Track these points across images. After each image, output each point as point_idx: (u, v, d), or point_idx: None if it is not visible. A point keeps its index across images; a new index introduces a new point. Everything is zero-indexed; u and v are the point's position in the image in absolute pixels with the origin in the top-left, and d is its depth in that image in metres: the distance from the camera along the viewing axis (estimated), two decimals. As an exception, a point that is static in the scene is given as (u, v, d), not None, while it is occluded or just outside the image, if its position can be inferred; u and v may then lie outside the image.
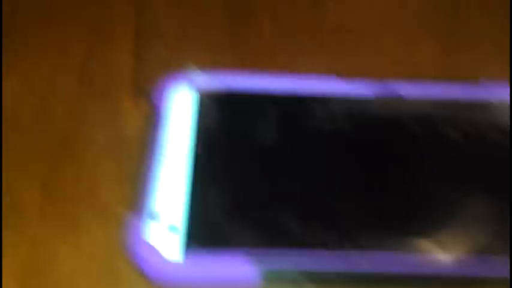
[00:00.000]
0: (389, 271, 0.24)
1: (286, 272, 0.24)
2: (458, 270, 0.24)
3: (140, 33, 0.34)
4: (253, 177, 0.26)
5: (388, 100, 0.29)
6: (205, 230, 0.24)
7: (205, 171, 0.26)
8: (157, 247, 0.24)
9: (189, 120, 0.28)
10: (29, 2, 0.35)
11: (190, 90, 0.29)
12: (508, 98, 0.30)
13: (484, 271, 0.24)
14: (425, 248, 0.24)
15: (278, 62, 0.33)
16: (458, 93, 0.30)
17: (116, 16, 0.35)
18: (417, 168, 0.27)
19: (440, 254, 0.24)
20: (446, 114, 0.29)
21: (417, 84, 0.30)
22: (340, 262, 0.24)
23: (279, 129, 0.28)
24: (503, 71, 0.33)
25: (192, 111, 0.28)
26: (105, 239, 0.26)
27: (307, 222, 0.25)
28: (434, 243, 0.24)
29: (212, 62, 0.33)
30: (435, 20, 0.36)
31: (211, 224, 0.25)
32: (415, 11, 0.37)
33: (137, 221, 0.24)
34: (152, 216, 0.24)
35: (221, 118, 0.28)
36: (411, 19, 0.36)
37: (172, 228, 0.24)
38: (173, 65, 0.32)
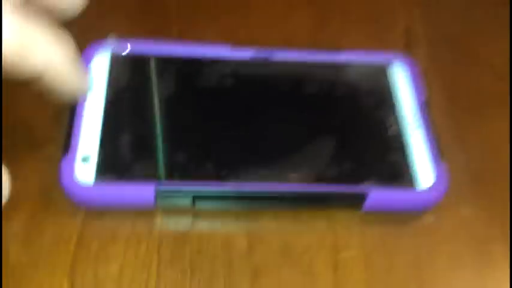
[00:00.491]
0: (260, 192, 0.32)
1: (177, 198, 0.31)
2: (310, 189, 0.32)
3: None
4: (152, 122, 0.33)
5: (264, 63, 0.37)
6: (113, 161, 0.31)
7: (116, 116, 0.33)
8: (75, 174, 0.31)
9: (105, 78, 0.35)
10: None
11: (107, 54, 0.36)
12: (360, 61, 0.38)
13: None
14: (285, 175, 0.32)
15: (182, 26, 0.41)
16: (324, 57, 0.38)
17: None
18: (283, 116, 0.35)
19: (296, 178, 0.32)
20: (309, 74, 0.37)
21: (291, 49, 0.38)
22: (222, 189, 0.31)
23: (177, 86, 0.35)
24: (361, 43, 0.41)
25: (109, 71, 0.35)
26: (40, 168, 0.32)
27: (198, 159, 0.32)
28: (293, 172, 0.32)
29: (127, 28, 0.40)
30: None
31: (118, 156, 0.32)
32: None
33: (62, 156, 0.31)
34: (71, 150, 0.31)
35: (131, 77, 0.35)
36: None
37: (86, 159, 0.31)
38: (93, 33, 0.38)
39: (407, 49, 0.41)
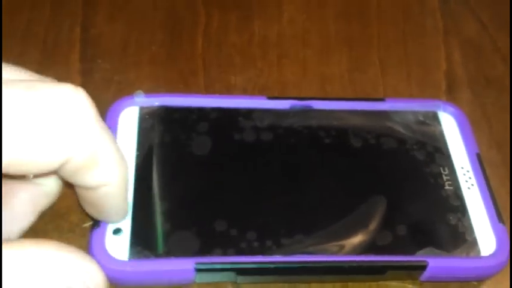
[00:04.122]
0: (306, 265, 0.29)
1: (219, 274, 0.28)
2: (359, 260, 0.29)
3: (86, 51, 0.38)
4: (187, 186, 0.31)
5: (302, 112, 0.34)
6: (147, 233, 0.29)
7: (147, 180, 0.30)
8: (107, 248, 0.28)
9: (133, 135, 0.32)
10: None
11: (134, 108, 0.33)
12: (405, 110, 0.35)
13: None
14: (333, 245, 0.29)
15: (210, 76, 0.38)
16: (362, 106, 0.35)
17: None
18: (328, 176, 0.32)
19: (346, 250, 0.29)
20: (351, 125, 0.34)
21: (330, 98, 0.35)
22: (266, 263, 0.28)
23: (211, 140, 0.32)
24: (403, 88, 0.38)
25: (138, 129, 0.32)
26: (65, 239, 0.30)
27: (239, 229, 0.29)
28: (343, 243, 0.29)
29: (152, 76, 0.37)
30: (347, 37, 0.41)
31: (153, 228, 0.29)
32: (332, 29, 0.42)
33: (93, 228, 0.28)
34: (101, 222, 0.29)
35: (161, 132, 0.32)
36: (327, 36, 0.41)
37: (118, 231, 0.28)
38: (117, 81, 0.36)
39: (449, 93, 0.38)
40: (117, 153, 0.25)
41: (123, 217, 0.29)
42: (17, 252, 0.21)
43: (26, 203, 0.28)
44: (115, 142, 0.25)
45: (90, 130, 0.23)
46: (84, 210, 0.27)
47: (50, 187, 0.28)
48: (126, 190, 0.26)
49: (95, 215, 0.28)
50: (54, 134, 0.22)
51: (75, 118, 0.23)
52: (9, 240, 0.22)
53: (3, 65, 0.24)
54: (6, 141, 0.21)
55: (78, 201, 0.27)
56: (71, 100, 0.23)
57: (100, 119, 0.24)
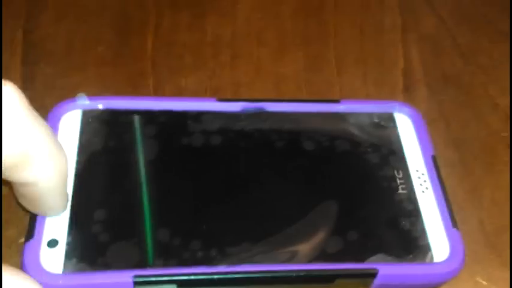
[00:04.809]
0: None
1: (159, 287, 0.27)
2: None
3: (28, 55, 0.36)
4: (128, 194, 0.29)
5: (254, 115, 0.33)
6: (83, 245, 0.27)
7: (86, 188, 0.29)
8: (41, 261, 0.26)
9: (75, 140, 0.31)
10: None
11: (77, 111, 0.32)
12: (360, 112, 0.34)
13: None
14: (282, 253, 0.28)
15: (160, 77, 0.37)
16: (316, 108, 0.34)
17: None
18: (278, 180, 0.31)
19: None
20: (305, 127, 0.33)
21: (284, 100, 0.34)
22: (209, 273, 0.27)
23: (156, 145, 0.31)
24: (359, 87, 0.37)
25: (80, 133, 0.31)
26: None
27: (182, 239, 0.28)
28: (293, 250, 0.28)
29: (98, 79, 0.36)
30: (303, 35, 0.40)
31: (90, 239, 0.27)
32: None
33: (26, 240, 0.27)
34: (35, 233, 0.27)
35: (104, 137, 0.31)
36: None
37: (53, 243, 0.27)
38: (60, 85, 0.34)
39: (407, 92, 0.37)
40: (53, 146, 0.24)
41: (62, 210, 0.28)
42: None
43: None
44: (51, 135, 0.24)
45: (21, 127, 0.22)
46: (22, 209, 0.27)
47: None
48: (65, 183, 0.26)
49: (33, 210, 0.27)
50: None
51: (4, 115, 0.22)
52: None
53: None
54: None
55: (15, 211, 0.27)
56: (5, 97, 0.22)
57: (32, 112, 0.23)
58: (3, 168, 0.23)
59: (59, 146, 0.25)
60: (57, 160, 0.25)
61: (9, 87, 0.22)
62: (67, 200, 0.28)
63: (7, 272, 0.21)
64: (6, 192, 0.30)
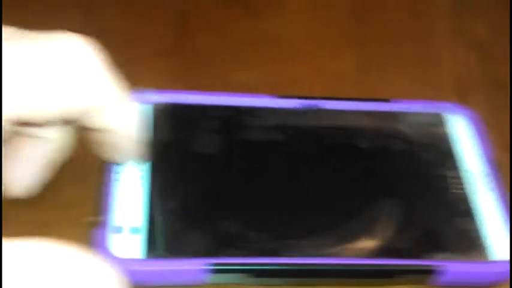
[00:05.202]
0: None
1: (232, 275, 0.28)
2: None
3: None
4: (199, 185, 0.30)
5: (310, 112, 0.34)
6: (159, 233, 0.28)
7: (159, 178, 0.30)
8: (112, 247, 0.27)
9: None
10: None
11: (140, 104, 0.32)
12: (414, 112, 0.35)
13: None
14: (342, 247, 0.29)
15: (217, 70, 0.37)
16: (370, 107, 0.35)
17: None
18: (337, 177, 0.32)
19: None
20: (361, 126, 0.34)
21: (338, 98, 0.35)
22: (279, 264, 0.28)
23: (219, 138, 0.32)
24: (411, 89, 0.38)
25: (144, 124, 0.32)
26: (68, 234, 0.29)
27: (251, 230, 0.29)
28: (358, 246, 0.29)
29: (155, 71, 0.36)
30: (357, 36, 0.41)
31: (164, 227, 0.28)
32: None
33: (99, 225, 0.28)
34: (109, 218, 0.28)
35: (167, 130, 0.32)
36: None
37: (126, 229, 0.28)
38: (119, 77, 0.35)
39: (460, 96, 0.38)
40: (126, 96, 0.26)
41: (136, 157, 0.29)
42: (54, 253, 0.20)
43: (37, 156, 0.28)
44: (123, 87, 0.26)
45: (102, 73, 0.24)
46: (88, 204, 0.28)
47: (62, 142, 0.29)
48: (138, 131, 0.27)
49: (110, 157, 0.29)
50: (69, 78, 0.23)
51: (87, 62, 0.24)
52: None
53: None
54: (27, 89, 0.22)
55: (79, 192, 0.29)
56: (81, 46, 0.24)
57: (110, 64, 0.25)
58: (84, 112, 0.25)
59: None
60: (130, 107, 0.26)
61: (89, 40, 0.24)
62: (140, 148, 0.29)
63: (86, 255, 0.22)
64: (70, 174, 0.31)
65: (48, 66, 0.23)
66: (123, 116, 0.26)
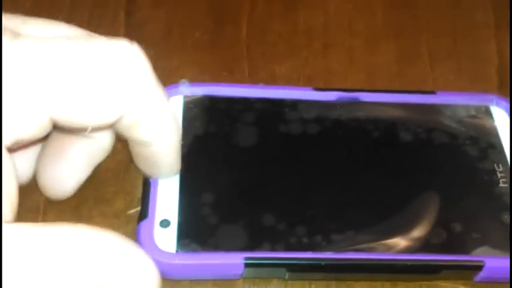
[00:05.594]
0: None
1: (268, 269, 0.28)
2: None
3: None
4: (236, 178, 0.30)
5: (349, 105, 0.33)
6: (195, 226, 0.28)
7: (193, 171, 0.30)
8: (155, 240, 0.27)
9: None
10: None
11: (179, 97, 0.32)
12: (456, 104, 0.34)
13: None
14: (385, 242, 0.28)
15: (254, 63, 0.37)
16: (412, 99, 0.34)
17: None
18: (379, 170, 0.31)
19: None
20: (400, 118, 0.33)
21: (378, 90, 0.34)
22: (316, 259, 0.27)
23: (254, 131, 0.32)
24: (452, 81, 0.37)
25: (180, 117, 0.31)
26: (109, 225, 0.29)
27: (287, 224, 0.28)
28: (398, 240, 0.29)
29: (195, 63, 0.36)
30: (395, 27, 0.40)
31: (201, 221, 0.28)
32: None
33: (140, 219, 0.28)
34: (149, 212, 0.28)
35: (205, 123, 0.31)
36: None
37: (165, 223, 0.28)
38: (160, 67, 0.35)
39: (502, 88, 0.37)
40: (169, 109, 0.25)
41: (176, 173, 0.29)
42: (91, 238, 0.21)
43: (81, 156, 0.28)
44: (168, 98, 0.25)
45: (147, 85, 0.24)
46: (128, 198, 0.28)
47: (104, 141, 0.29)
48: (178, 147, 0.27)
49: (147, 171, 0.28)
50: (111, 88, 0.23)
51: (132, 72, 0.23)
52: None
53: (57, 23, 0.25)
54: (66, 95, 0.22)
55: (122, 185, 0.29)
56: (127, 54, 0.23)
57: (154, 74, 0.24)
58: (125, 124, 0.24)
59: (173, 110, 0.26)
60: (173, 122, 0.26)
61: (135, 46, 0.24)
62: (179, 165, 0.28)
63: (129, 244, 0.22)
64: (114, 166, 0.31)
65: (95, 73, 0.23)
66: (163, 129, 0.25)
